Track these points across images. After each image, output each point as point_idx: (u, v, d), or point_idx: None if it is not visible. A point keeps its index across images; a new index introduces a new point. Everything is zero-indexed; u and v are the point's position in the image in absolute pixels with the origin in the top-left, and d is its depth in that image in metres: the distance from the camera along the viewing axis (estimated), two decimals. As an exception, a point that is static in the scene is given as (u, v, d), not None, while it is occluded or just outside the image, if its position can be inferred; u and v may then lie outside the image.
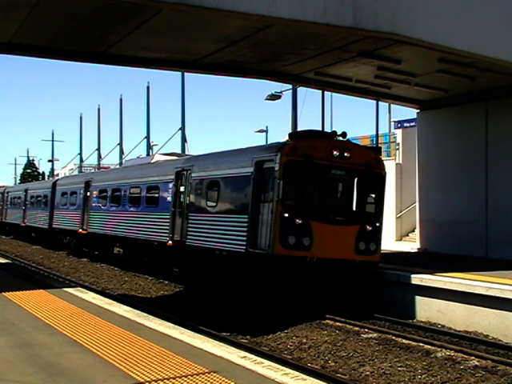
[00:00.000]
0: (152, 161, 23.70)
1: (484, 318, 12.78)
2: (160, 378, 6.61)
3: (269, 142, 29.87)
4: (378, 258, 15.31)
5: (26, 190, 39.97)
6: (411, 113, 26.48)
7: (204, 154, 20.57)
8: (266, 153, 14.97)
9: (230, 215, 15.85)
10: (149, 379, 6.55)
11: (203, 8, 12.21)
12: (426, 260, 19.45)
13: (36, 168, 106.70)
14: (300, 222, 14.12)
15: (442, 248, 21.82)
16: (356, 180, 15.46)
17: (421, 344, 11.88)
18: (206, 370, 6.91)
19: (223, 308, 15.29)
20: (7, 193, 46.73)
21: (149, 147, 44.58)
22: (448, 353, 11.22)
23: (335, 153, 14.67)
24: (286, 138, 16.73)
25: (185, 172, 18.59)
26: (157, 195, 20.36)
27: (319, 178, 14.79)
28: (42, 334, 8.73)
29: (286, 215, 13.97)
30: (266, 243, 14.09)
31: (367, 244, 14.95)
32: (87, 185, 27.33)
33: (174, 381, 6.53)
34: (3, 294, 12.33)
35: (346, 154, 14.84)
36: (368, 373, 10.10)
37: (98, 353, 7.65)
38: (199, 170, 17.92)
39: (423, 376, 9.84)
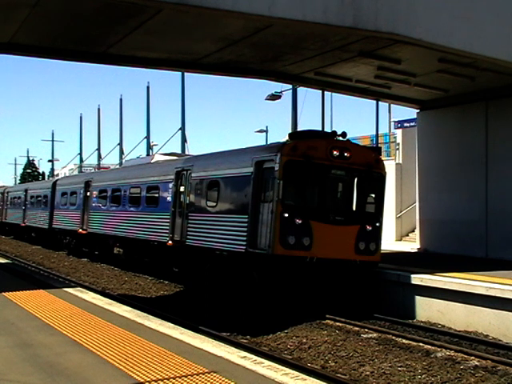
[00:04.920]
0: (152, 161, 23.69)
1: (484, 318, 12.78)
2: (160, 377, 6.61)
3: (269, 142, 29.88)
4: (377, 257, 15.31)
5: (25, 190, 39.97)
6: (411, 113, 26.53)
7: (204, 154, 20.57)
8: (266, 153, 14.97)
9: (230, 215, 15.85)
10: (149, 379, 6.55)
11: (203, 8, 12.22)
12: (425, 260, 19.43)
13: (36, 168, 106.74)
14: (300, 222, 14.12)
15: (441, 248, 21.82)
16: (356, 180, 15.45)
17: (421, 344, 11.87)
18: (206, 370, 6.91)
19: (223, 308, 15.30)
20: (7, 193, 46.74)
21: (149, 147, 44.63)
22: (448, 353, 11.22)
23: (335, 153, 14.66)
24: (286, 137, 16.73)
25: (185, 172, 18.59)
26: (157, 195, 20.36)
27: (319, 178, 14.78)
28: (42, 333, 8.72)
29: (286, 215, 13.97)
30: (266, 243, 14.09)
31: (367, 244, 14.95)
32: (87, 185, 27.32)
33: (173, 381, 6.53)
34: (3, 293, 12.33)
35: (346, 154, 14.84)
36: (368, 373, 10.09)
37: (98, 353, 7.65)
38: (199, 170, 17.92)
39: (423, 376, 9.83)
